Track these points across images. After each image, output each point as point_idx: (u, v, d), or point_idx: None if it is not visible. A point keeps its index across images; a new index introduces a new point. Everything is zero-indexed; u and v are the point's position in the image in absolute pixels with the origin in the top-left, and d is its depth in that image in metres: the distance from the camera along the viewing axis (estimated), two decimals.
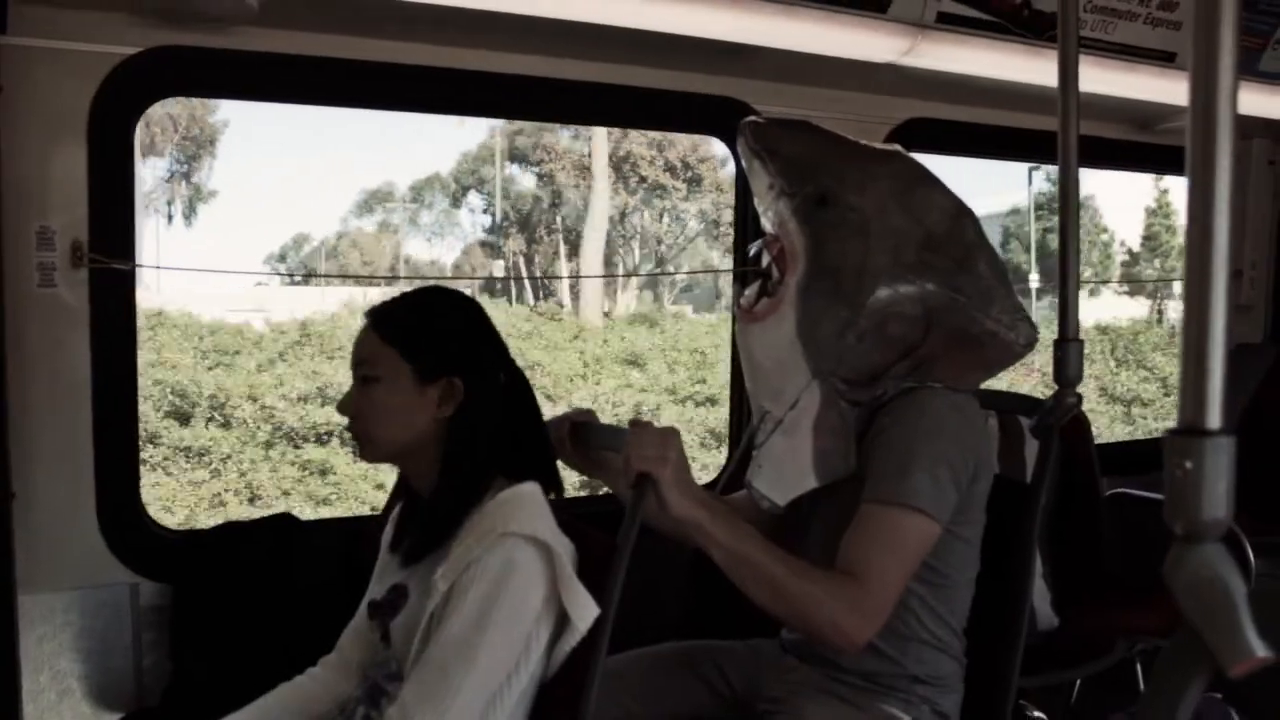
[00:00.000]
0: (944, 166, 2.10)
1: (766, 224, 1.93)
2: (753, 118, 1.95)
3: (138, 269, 2.19)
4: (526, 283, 23.96)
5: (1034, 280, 22.74)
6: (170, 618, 2.19)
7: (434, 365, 1.60)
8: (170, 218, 23.41)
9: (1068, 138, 1.94)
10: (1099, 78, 2.74)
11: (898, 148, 1.98)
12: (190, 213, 23.80)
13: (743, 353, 1.93)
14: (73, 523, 2.14)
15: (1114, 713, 2.26)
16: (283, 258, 30.86)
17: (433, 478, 1.62)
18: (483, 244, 27.54)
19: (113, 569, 2.18)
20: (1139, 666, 2.48)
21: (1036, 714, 1.97)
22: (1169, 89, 2.86)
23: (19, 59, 2.02)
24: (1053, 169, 2.13)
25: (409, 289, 1.73)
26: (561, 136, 23.01)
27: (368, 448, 1.64)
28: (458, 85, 2.42)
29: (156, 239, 23.10)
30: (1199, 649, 0.80)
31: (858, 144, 1.97)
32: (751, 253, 1.97)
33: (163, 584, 2.21)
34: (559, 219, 24.42)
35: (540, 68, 2.45)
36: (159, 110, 19.98)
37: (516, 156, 25.05)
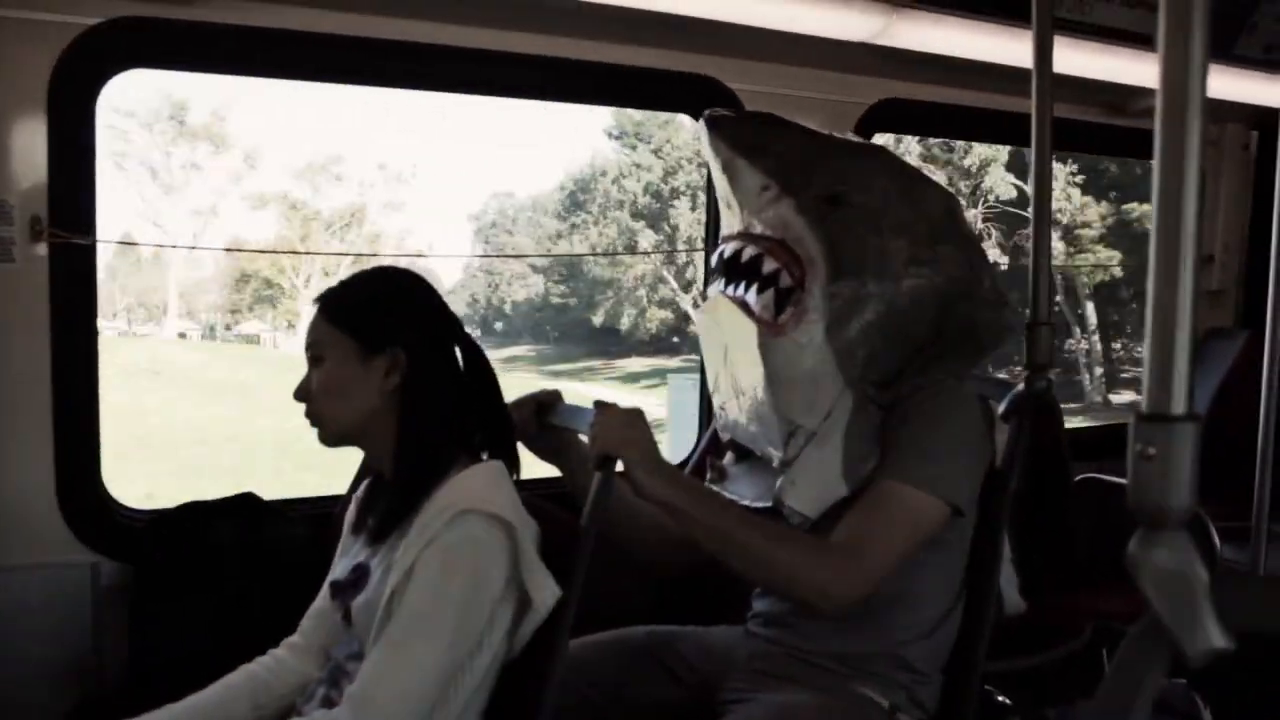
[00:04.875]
0: None
1: (751, 225, 1.85)
2: (717, 111, 1.89)
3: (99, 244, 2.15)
4: None
5: None
6: (131, 598, 2.16)
7: (376, 337, 1.59)
8: None
9: (1042, 120, 1.93)
10: (1075, 59, 2.74)
11: (875, 142, 1.94)
12: None
13: (763, 367, 1.80)
14: (31, 501, 2.11)
15: (1081, 698, 2.26)
16: None
17: (392, 456, 1.61)
18: None
19: (72, 548, 2.15)
20: (1105, 652, 2.48)
21: (1002, 699, 1.96)
22: (1145, 72, 2.85)
23: None
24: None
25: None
26: None
27: (322, 429, 1.63)
28: (425, 60, 2.39)
29: None
30: (1161, 635, 0.79)
31: (838, 138, 1.94)
32: (744, 258, 1.81)
33: (123, 564, 2.18)
34: None
35: (507, 43, 2.42)
36: None
37: None
